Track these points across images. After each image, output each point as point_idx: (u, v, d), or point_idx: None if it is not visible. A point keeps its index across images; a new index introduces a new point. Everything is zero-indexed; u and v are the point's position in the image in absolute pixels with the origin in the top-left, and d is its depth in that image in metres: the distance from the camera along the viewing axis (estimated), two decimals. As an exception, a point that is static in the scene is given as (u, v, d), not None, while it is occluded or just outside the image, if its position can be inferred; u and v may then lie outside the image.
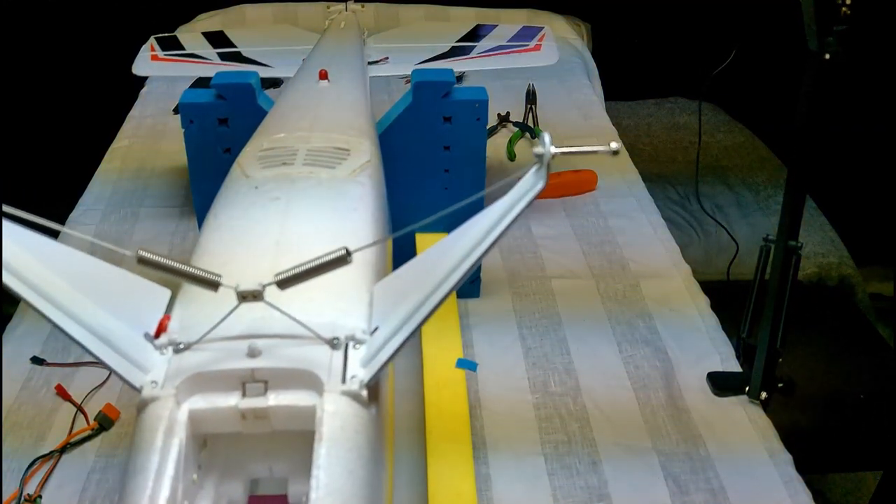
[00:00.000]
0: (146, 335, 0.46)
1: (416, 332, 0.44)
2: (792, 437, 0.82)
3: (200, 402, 0.44)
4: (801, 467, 0.78)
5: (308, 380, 0.43)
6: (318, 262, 0.43)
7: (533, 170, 0.41)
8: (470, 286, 0.97)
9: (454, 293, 0.91)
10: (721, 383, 0.85)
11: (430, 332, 0.86)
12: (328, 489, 0.39)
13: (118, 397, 0.81)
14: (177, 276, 0.44)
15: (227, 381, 0.43)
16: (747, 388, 0.84)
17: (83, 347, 0.44)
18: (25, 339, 0.90)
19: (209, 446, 0.46)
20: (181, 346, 0.45)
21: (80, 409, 0.80)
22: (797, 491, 0.76)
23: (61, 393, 0.82)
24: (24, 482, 0.73)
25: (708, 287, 1.02)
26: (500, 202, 0.44)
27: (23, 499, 0.71)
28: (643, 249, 1.07)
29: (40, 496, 0.72)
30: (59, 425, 0.79)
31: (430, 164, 0.92)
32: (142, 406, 0.43)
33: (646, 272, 1.02)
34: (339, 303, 0.49)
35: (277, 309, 0.44)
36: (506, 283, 1.01)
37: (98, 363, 0.82)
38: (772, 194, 1.57)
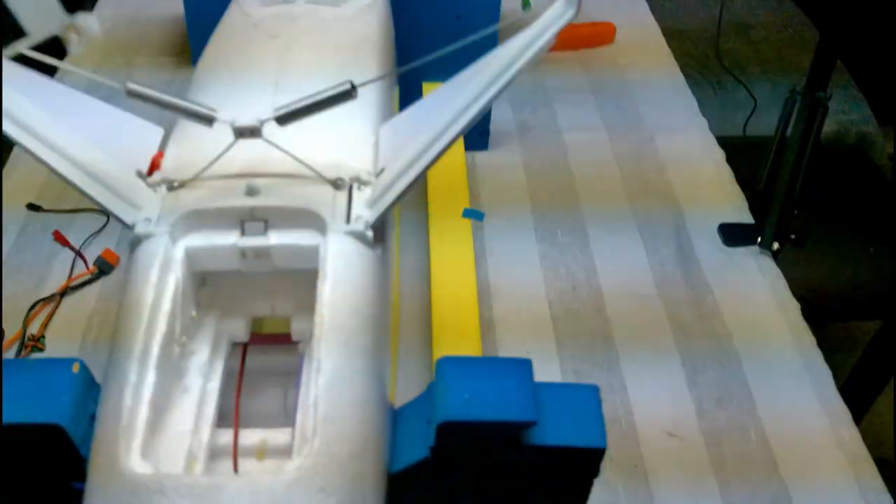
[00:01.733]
0: (138, 172, 0.44)
1: (423, 175, 0.42)
2: (800, 289, 0.81)
3: (197, 239, 0.42)
4: (808, 317, 0.78)
5: (310, 219, 0.42)
6: (321, 97, 0.40)
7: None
8: (478, 138, 0.94)
9: (462, 143, 0.88)
10: (733, 234, 0.84)
11: (437, 183, 0.84)
12: (332, 326, 0.38)
13: (117, 243, 0.80)
14: (169, 110, 0.41)
15: (225, 218, 0.42)
16: (759, 239, 0.83)
17: (71, 184, 0.42)
18: (21, 185, 0.87)
19: (209, 284, 0.44)
20: (175, 184, 0.43)
21: (78, 254, 0.79)
22: (802, 337, 0.76)
23: (59, 239, 0.81)
24: (26, 323, 0.73)
25: (723, 143, 0.99)
26: (521, 35, 0.41)
27: (26, 339, 0.72)
28: (659, 103, 1.03)
29: (43, 336, 0.72)
30: (58, 270, 0.79)
31: (442, 8, 0.87)
32: (135, 243, 0.41)
33: (661, 126, 0.99)
34: (343, 143, 0.46)
35: (277, 147, 0.41)
36: (515, 135, 0.97)
37: (95, 209, 0.81)
38: (795, 53, 1.50)
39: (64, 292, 0.76)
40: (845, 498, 0.64)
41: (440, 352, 0.65)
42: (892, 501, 0.64)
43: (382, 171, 0.44)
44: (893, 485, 0.66)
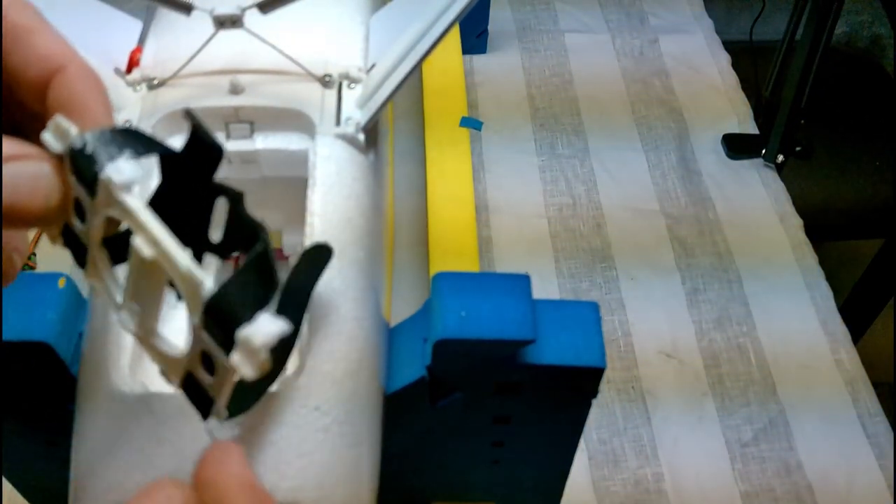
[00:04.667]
0: (117, 70, 0.41)
1: (417, 69, 0.39)
2: (803, 204, 0.80)
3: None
4: (810, 233, 0.77)
5: (298, 121, 0.39)
6: None
7: None
8: (476, 41, 0.90)
9: (459, 47, 0.84)
10: (737, 145, 0.81)
11: (433, 87, 0.81)
12: (323, 237, 0.36)
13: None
14: (142, -1, 0.38)
15: (209, 119, 0.39)
16: (763, 151, 0.81)
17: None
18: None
19: (195, 194, 0.42)
20: (155, 82, 0.41)
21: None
22: (804, 255, 0.75)
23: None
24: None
25: (728, 47, 0.95)
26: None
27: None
28: (664, 1, 0.98)
29: (34, 253, 0.71)
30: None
31: None
32: (116, 148, 0.39)
33: (666, 27, 0.95)
34: (330, 37, 0.43)
35: (259, 38, 0.39)
36: (515, 37, 0.93)
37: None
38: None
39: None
40: (842, 420, 0.64)
41: (437, 268, 0.64)
42: (887, 424, 0.64)
43: (373, 66, 0.42)
44: (889, 407, 0.66)
